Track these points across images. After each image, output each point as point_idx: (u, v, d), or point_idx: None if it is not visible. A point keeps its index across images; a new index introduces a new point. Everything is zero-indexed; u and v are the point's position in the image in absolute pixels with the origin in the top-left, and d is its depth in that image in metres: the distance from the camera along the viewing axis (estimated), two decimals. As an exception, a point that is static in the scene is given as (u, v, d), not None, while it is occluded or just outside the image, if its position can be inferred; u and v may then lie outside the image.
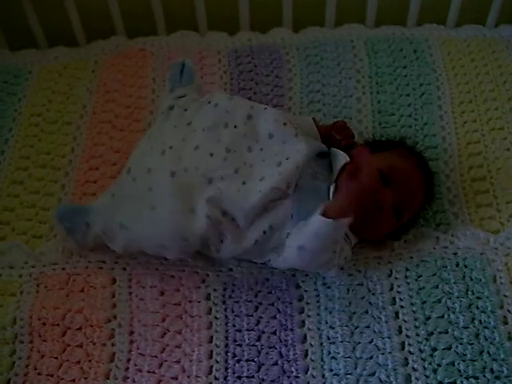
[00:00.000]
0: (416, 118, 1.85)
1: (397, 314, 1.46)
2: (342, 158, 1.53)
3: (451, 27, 2.11)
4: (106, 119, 1.90)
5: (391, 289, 1.50)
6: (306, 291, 1.52)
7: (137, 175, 1.50)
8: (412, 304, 1.46)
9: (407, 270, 1.52)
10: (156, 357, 1.44)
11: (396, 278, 1.51)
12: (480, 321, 1.41)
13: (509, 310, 1.44)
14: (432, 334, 1.41)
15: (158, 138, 1.56)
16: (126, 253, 1.54)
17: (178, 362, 1.43)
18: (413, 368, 1.37)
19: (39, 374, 1.43)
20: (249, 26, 2.14)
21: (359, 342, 1.42)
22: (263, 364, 1.41)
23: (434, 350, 1.38)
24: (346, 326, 1.45)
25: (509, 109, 1.85)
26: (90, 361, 1.44)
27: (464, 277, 1.49)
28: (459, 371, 1.34)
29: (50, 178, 1.78)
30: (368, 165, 1.42)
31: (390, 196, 1.49)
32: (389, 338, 1.42)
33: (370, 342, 1.42)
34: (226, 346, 1.45)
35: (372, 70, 1.98)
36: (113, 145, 1.83)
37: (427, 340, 1.40)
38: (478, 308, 1.43)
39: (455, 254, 1.54)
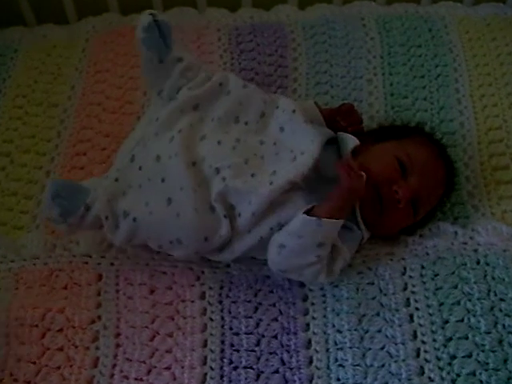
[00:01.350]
0: (431, 102, 1.76)
1: (411, 316, 1.36)
2: (351, 141, 1.44)
3: (469, 5, 2.02)
4: (96, 101, 1.81)
5: (405, 289, 1.41)
6: (310, 290, 1.43)
7: (143, 163, 1.42)
8: (428, 306, 1.37)
9: (423, 267, 1.43)
10: (144, 362, 1.35)
11: (410, 276, 1.42)
12: (503, 325, 1.32)
13: (535, 313, 1.34)
14: (450, 339, 1.32)
15: (163, 122, 1.46)
16: (124, 244, 1.44)
17: (168, 368, 1.34)
18: (429, 378, 1.28)
19: (16, 380, 1.33)
20: (251, 3, 2.05)
21: (370, 349, 1.33)
22: (263, 372, 1.33)
23: (453, 357, 1.29)
24: (355, 329, 1.36)
25: None
26: (71, 366, 1.35)
27: (485, 276, 1.40)
28: (481, 382, 1.25)
29: (34, 164, 1.69)
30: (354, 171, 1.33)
31: (408, 189, 1.40)
32: (402, 343, 1.33)
33: (382, 349, 1.33)
34: (222, 351, 1.36)
35: (384, 49, 1.89)
36: (102, 128, 1.74)
37: (445, 346, 1.31)
38: (501, 311, 1.34)
39: (475, 250, 1.45)
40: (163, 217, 1.37)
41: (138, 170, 1.42)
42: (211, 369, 1.33)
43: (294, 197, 1.36)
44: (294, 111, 1.48)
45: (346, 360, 1.32)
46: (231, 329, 1.38)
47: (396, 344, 1.32)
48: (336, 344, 1.34)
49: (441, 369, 1.28)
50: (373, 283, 1.41)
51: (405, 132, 1.55)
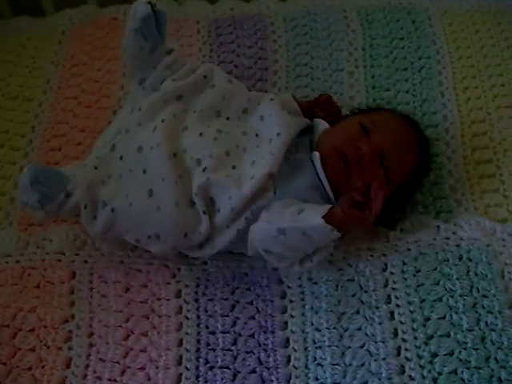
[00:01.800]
0: (414, 95, 1.73)
1: (392, 314, 1.34)
2: (321, 125, 1.46)
3: (453, -3, 1.99)
4: (72, 95, 1.78)
5: (386, 285, 1.38)
6: (289, 287, 1.40)
7: (124, 153, 1.39)
8: (409, 303, 1.34)
9: (404, 263, 1.40)
10: (118, 363, 1.32)
11: (391, 272, 1.40)
12: (486, 322, 1.30)
13: (518, 310, 1.32)
14: (432, 337, 1.29)
15: (146, 112, 1.44)
16: (100, 235, 1.41)
17: (142, 368, 1.31)
18: (410, 377, 1.25)
19: (-15, 381, 1.30)
20: (231, -5, 2.02)
21: (349, 347, 1.30)
22: (239, 372, 1.29)
23: (435, 355, 1.27)
24: (335, 328, 1.33)
25: None
26: (43, 367, 1.32)
27: (468, 272, 1.37)
28: (462, 380, 1.23)
29: (8, 160, 1.66)
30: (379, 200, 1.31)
31: (372, 144, 1.38)
32: (383, 342, 1.30)
33: (362, 347, 1.30)
34: (198, 350, 1.32)
35: (366, 41, 1.86)
36: (78, 123, 1.71)
37: (426, 344, 1.28)
38: (483, 308, 1.32)
39: (458, 245, 1.43)
40: (143, 209, 1.34)
41: (118, 159, 1.39)
42: (186, 369, 1.30)
43: (267, 184, 1.34)
44: (271, 99, 1.48)
45: (325, 359, 1.29)
46: (207, 327, 1.35)
47: (376, 342, 1.30)
48: (314, 343, 1.31)
49: (422, 367, 1.26)
50: (353, 280, 1.38)
51: (374, 109, 1.57)
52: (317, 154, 1.38)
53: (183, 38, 1.88)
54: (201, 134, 1.39)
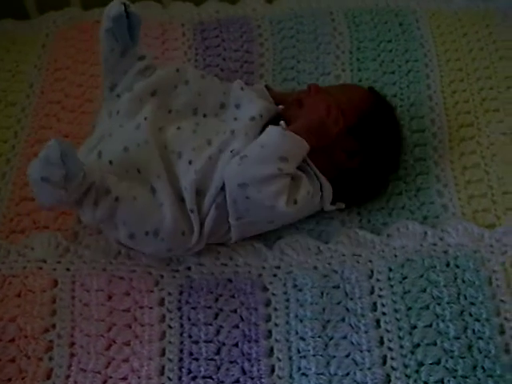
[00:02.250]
0: (402, 99, 1.71)
1: (378, 322, 1.31)
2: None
3: (441, -2, 1.98)
4: (55, 99, 1.75)
5: (372, 292, 1.35)
6: (273, 295, 1.38)
7: (112, 157, 1.37)
8: (396, 311, 1.32)
9: (390, 270, 1.38)
10: (99, 373, 1.29)
11: (377, 279, 1.37)
12: (473, 330, 1.28)
13: (506, 318, 1.30)
14: (418, 345, 1.27)
15: (125, 113, 1.43)
16: (96, 223, 1.35)
17: (124, 379, 1.28)
18: None
19: (-37, 393, 1.27)
20: (217, -4, 2.00)
21: (334, 356, 1.27)
22: (223, 382, 1.27)
23: (421, 364, 1.25)
24: (319, 336, 1.30)
25: (505, 88, 1.71)
26: (23, 378, 1.29)
27: (455, 279, 1.35)
28: None
29: (-11, 166, 1.63)
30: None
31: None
32: (368, 351, 1.27)
33: (347, 356, 1.27)
34: (181, 360, 1.30)
35: (353, 44, 1.83)
36: (61, 128, 1.68)
37: (413, 353, 1.26)
38: (471, 315, 1.30)
39: (445, 252, 1.40)
40: (147, 204, 1.32)
41: (108, 164, 1.36)
42: (169, 379, 1.27)
43: None
44: (242, 88, 1.50)
45: (310, 369, 1.26)
46: (190, 336, 1.32)
47: (361, 351, 1.27)
48: (299, 352, 1.29)
49: (408, 376, 1.23)
50: (338, 287, 1.36)
51: None
52: (282, 122, 1.39)
53: (168, 42, 1.86)
54: (179, 128, 1.40)
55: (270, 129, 1.35)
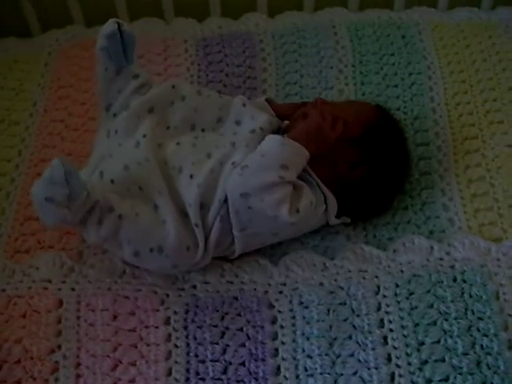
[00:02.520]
0: (405, 112, 1.71)
1: (385, 339, 1.30)
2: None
3: (443, 10, 1.98)
4: (59, 118, 1.75)
5: (379, 309, 1.35)
6: (280, 312, 1.37)
7: (114, 176, 1.36)
8: (403, 327, 1.31)
9: (397, 286, 1.37)
10: None
11: (384, 295, 1.36)
12: (482, 346, 1.27)
13: (514, 332, 1.29)
14: (426, 362, 1.26)
15: (123, 132, 1.43)
16: (100, 242, 1.33)
17: None
18: None
19: (-30, 416, 1.27)
20: (220, 12, 2.01)
21: (341, 374, 1.27)
22: None
23: (429, 381, 1.24)
24: (326, 354, 1.29)
25: (509, 99, 1.70)
26: None
27: (462, 294, 1.34)
28: None
29: (-7, 186, 1.63)
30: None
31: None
32: (376, 368, 1.26)
33: (355, 374, 1.26)
34: (187, 380, 1.29)
35: (356, 58, 1.83)
36: (65, 147, 1.68)
37: (421, 370, 1.25)
38: (479, 331, 1.29)
39: (452, 266, 1.40)
40: (150, 221, 1.31)
41: (110, 183, 1.36)
42: (176, 399, 1.27)
43: None
44: (244, 105, 1.50)
45: (317, 387, 1.26)
46: (197, 356, 1.31)
47: (369, 369, 1.26)
48: (306, 370, 1.28)
49: (416, 393, 1.23)
50: (345, 303, 1.35)
51: None
52: (285, 136, 1.40)
53: (170, 58, 1.85)
54: (178, 143, 1.40)
55: (270, 137, 1.36)
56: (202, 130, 1.48)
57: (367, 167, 1.43)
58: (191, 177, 1.35)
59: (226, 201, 1.33)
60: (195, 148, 1.40)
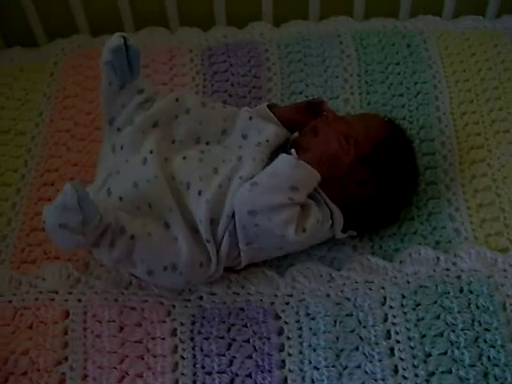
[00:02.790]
0: (411, 121, 1.70)
1: (392, 350, 1.30)
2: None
3: (448, 19, 1.98)
4: (65, 128, 1.75)
5: (385, 320, 1.34)
6: (286, 323, 1.36)
7: (122, 193, 1.36)
8: (410, 338, 1.30)
9: (403, 297, 1.36)
10: None
11: (391, 306, 1.35)
12: (489, 357, 1.26)
13: (521, 344, 1.28)
14: (433, 374, 1.25)
15: (129, 148, 1.42)
16: (114, 264, 1.34)
17: None
18: None
19: (-24, 428, 1.26)
20: (225, 21, 2.01)
21: (348, 386, 1.26)
22: None
23: (436, 393, 1.23)
24: (333, 366, 1.29)
25: None
26: None
27: (469, 305, 1.33)
28: None
29: (0, 196, 1.62)
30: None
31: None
32: (383, 380, 1.26)
33: (361, 386, 1.26)
34: (194, 392, 1.29)
35: (361, 67, 1.83)
36: (71, 157, 1.68)
37: (428, 382, 1.24)
38: (485, 342, 1.28)
39: (458, 277, 1.39)
40: (162, 239, 1.31)
41: (119, 201, 1.35)
42: (183, 411, 1.26)
43: None
44: (250, 118, 1.48)
45: (324, 399, 1.25)
46: (203, 367, 1.31)
47: (376, 380, 1.25)
48: (313, 382, 1.27)
49: (423, 405, 1.22)
50: (351, 315, 1.34)
51: None
52: (293, 150, 1.38)
53: (176, 67, 1.85)
54: (184, 158, 1.39)
55: (283, 157, 1.33)
56: (207, 143, 1.47)
57: (376, 185, 1.42)
58: (199, 193, 1.34)
59: (233, 215, 1.32)
60: (202, 163, 1.39)
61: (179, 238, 1.31)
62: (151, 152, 1.38)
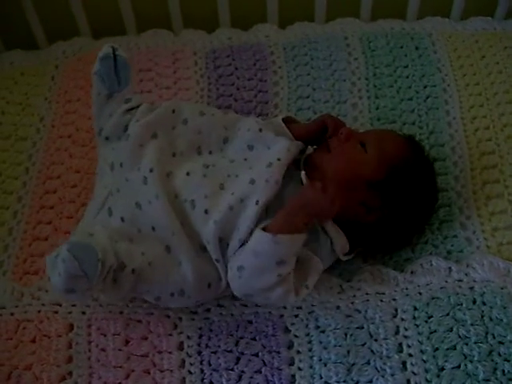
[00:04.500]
0: (421, 126, 1.67)
1: (404, 364, 1.27)
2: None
3: (457, 20, 1.95)
4: (66, 133, 1.72)
5: (397, 333, 1.31)
6: (296, 336, 1.33)
7: (124, 214, 1.32)
8: (422, 352, 1.27)
9: (415, 309, 1.33)
10: None
11: (402, 319, 1.33)
12: (503, 371, 1.23)
13: (537, 357, 1.25)
14: (447, 389, 1.22)
15: (128, 164, 1.36)
16: (120, 298, 1.34)
17: None
18: None
19: None
20: (229, 23, 1.98)
21: (360, 402, 1.24)
22: None
23: (450, 408, 1.21)
24: (344, 381, 1.25)
25: None
26: None
27: (482, 317, 1.30)
28: None
29: (1, 204, 1.59)
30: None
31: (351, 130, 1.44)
32: (396, 395, 1.23)
33: (374, 401, 1.23)
34: (202, 408, 1.26)
35: (369, 70, 1.80)
36: (73, 163, 1.64)
37: (441, 397, 1.22)
38: (500, 355, 1.25)
39: (471, 288, 1.36)
40: (164, 266, 1.27)
41: (120, 221, 1.31)
42: (191, 428, 1.24)
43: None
44: (260, 130, 1.42)
45: (336, 416, 1.22)
46: (212, 383, 1.28)
47: (388, 396, 1.23)
48: (324, 398, 1.25)
49: (437, 421, 1.19)
50: (362, 327, 1.32)
51: None
52: (303, 172, 1.34)
53: (180, 71, 1.82)
54: (188, 174, 1.34)
55: (260, 235, 1.25)
56: (210, 153, 1.42)
57: (384, 212, 1.37)
58: (206, 212, 1.29)
59: (246, 240, 1.28)
60: (206, 178, 1.33)
61: (183, 262, 1.27)
62: (151, 171, 1.32)
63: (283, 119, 1.48)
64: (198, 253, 1.29)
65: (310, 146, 1.46)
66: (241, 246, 1.27)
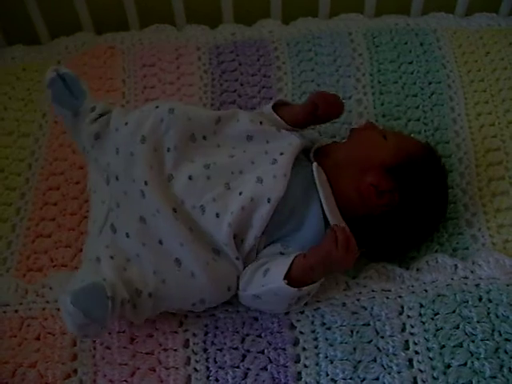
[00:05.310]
0: (425, 123, 1.66)
1: (410, 361, 1.26)
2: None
3: (461, 16, 1.94)
4: (69, 129, 1.68)
5: (403, 330, 1.31)
6: (301, 333, 1.33)
7: (128, 229, 1.29)
8: (428, 349, 1.27)
9: (421, 306, 1.33)
10: None
11: (408, 316, 1.32)
12: (510, 368, 1.23)
13: (543, 354, 1.25)
14: (454, 386, 1.22)
15: (124, 177, 1.33)
16: (147, 318, 1.31)
17: None
18: None
19: None
20: (232, 18, 1.96)
21: (367, 399, 1.23)
22: None
23: (456, 406, 1.20)
24: (351, 378, 1.25)
25: None
26: None
27: (488, 314, 1.30)
28: None
29: (4, 201, 1.58)
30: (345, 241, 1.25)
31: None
32: (402, 392, 1.22)
33: (380, 398, 1.23)
34: (208, 405, 1.26)
35: (373, 66, 1.79)
36: (76, 160, 1.63)
37: (448, 395, 1.21)
38: (506, 352, 1.25)
39: (477, 285, 1.35)
40: (178, 281, 1.26)
41: (125, 238, 1.29)
42: (196, 426, 1.23)
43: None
44: (261, 123, 1.42)
45: (342, 413, 1.22)
46: (217, 380, 1.27)
47: (395, 393, 1.23)
48: (330, 395, 1.24)
49: (444, 419, 1.19)
50: (368, 324, 1.31)
51: None
52: (315, 163, 1.36)
53: (183, 66, 1.81)
54: (190, 178, 1.32)
55: (282, 287, 1.25)
56: (204, 138, 1.38)
57: (396, 198, 1.37)
58: (217, 215, 1.29)
59: (260, 236, 1.30)
60: (210, 180, 1.32)
61: (195, 273, 1.25)
62: (146, 184, 1.29)
63: (273, 106, 1.47)
64: (211, 257, 1.28)
65: (319, 139, 1.49)
66: (254, 253, 1.32)
